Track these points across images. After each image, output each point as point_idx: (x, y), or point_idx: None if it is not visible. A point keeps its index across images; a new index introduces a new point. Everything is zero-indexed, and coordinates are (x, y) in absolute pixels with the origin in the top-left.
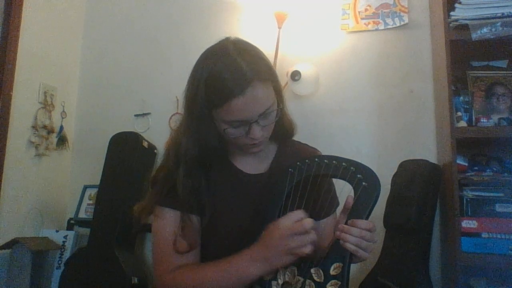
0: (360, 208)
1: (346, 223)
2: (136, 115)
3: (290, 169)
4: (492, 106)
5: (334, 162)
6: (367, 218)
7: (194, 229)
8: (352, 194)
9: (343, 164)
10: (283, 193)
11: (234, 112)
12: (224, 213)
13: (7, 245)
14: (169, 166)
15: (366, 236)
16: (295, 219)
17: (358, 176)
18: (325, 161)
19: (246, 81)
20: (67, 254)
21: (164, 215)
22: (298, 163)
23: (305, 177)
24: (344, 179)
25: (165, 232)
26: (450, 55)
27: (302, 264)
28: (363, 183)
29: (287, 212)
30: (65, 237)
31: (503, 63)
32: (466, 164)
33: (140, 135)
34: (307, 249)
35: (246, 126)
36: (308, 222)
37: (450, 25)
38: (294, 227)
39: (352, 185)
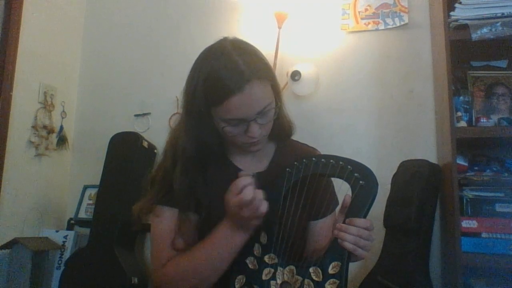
0: (357, 207)
1: (344, 222)
2: (136, 115)
3: (287, 169)
4: (492, 106)
5: (331, 161)
6: (365, 217)
7: (192, 227)
8: (350, 193)
9: (341, 163)
10: (281, 193)
11: (232, 110)
12: (221, 211)
13: (7, 245)
14: (167, 165)
15: (364, 235)
16: (235, 192)
17: (355, 175)
18: (323, 160)
19: (244, 79)
20: (67, 254)
21: (162, 214)
22: (295, 162)
23: (303, 176)
24: (341, 178)
25: (163, 230)
26: (450, 55)
27: (301, 264)
28: (361, 182)
29: (285, 212)
30: (65, 237)
31: (503, 63)
32: (466, 164)
33: (140, 135)
34: (263, 208)
35: (245, 125)
36: (247, 193)
37: (450, 25)
38: (238, 202)
39: (349, 184)
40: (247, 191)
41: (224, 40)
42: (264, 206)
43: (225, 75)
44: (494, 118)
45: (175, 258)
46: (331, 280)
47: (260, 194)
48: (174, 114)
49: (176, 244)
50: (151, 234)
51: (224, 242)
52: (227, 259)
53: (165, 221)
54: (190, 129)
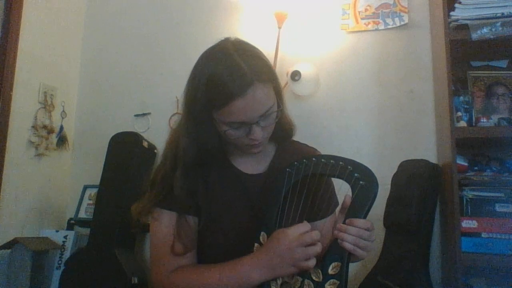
0: (358, 207)
1: (344, 223)
2: (136, 115)
3: (287, 169)
4: (492, 106)
5: (331, 161)
6: (365, 217)
7: (191, 230)
8: (350, 193)
9: (341, 163)
10: (281, 193)
11: (235, 114)
12: (222, 213)
13: (7, 245)
14: (167, 167)
15: (364, 235)
16: (302, 231)
17: (356, 175)
18: (323, 160)
19: (246, 82)
20: (67, 254)
21: (161, 217)
22: (295, 163)
23: (303, 177)
24: (341, 178)
25: (163, 234)
26: (450, 55)
27: None
28: (361, 182)
29: (285, 212)
30: (65, 237)
31: (503, 63)
32: (466, 164)
33: (140, 135)
34: (311, 263)
35: (247, 127)
36: (316, 234)
37: (450, 25)
38: (302, 239)
39: (349, 184)
40: (316, 232)
41: (226, 41)
42: (313, 263)
43: (228, 78)
44: (494, 118)
45: (185, 270)
46: (331, 280)
47: (320, 248)
48: (174, 114)
49: (175, 249)
50: (150, 237)
51: (243, 276)
52: None
53: (164, 225)
54: (191, 132)
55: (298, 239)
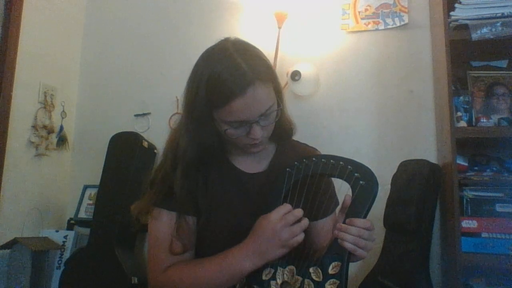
0: (358, 207)
1: (344, 222)
2: (136, 115)
3: (287, 169)
4: (492, 106)
5: (331, 161)
6: (365, 217)
7: (190, 230)
8: (350, 193)
9: (341, 163)
10: (281, 193)
11: (235, 113)
12: (222, 212)
13: (7, 245)
14: (167, 167)
15: (364, 235)
16: (284, 212)
17: (356, 175)
18: (323, 160)
19: (246, 81)
20: (67, 254)
21: (160, 217)
22: (295, 162)
23: (303, 176)
24: (341, 178)
25: (161, 233)
26: (450, 55)
27: (301, 264)
28: (361, 182)
29: None
30: (65, 237)
31: (503, 63)
32: (466, 164)
33: (140, 135)
34: (300, 237)
35: (247, 127)
36: (298, 211)
37: (450, 25)
38: (285, 219)
39: (349, 184)
40: (298, 210)
41: (226, 41)
42: (301, 237)
43: (228, 77)
44: (494, 118)
45: (178, 266)
46: (331, 280)
47: (306, 224)
48: (174, 114)
49: (174, 248)
50: (148, 237)
51: (233, 266)
52: (230, 282)
53: (163, 224)
54: (191, 131)
55: (281, 220)
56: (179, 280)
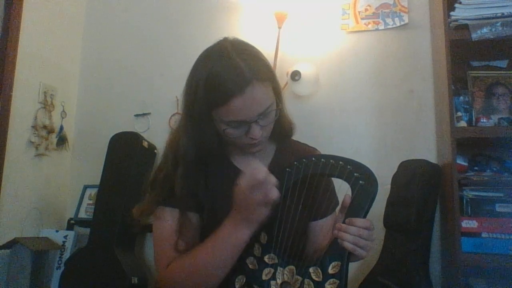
0: (357, 207)
1: (344, 222)
2: (136, 115)
3: (287, 169)
4: (492, 106)
5: (331, 161)
6: (364, 217)
7: (193, 227)
8: (350, 193)
9: (340, 163)
10: (280, 193)
11: (234, 112)
12: (223, 212)
13: (7, 245)
14: (168, 167)
15: (364, 235)
16: (249, 175)
17: (355, 174)
18: (322, 160)
19: (245, 81)
20: (67, 254)
21: (163, 215)
22: (295, 162)
23: (303, 176)
24: (341, 178)
25: (165, 231)
26: (450, 55)
27: (301, 264)
28: (360, 182)
29: (285, 212)
30: (65, 237)
31: (503, 63)
32: (466, 164)
33: (140, 135)
34: (273, 194)
35: (246, 126)
36: (260, 172)
37: (450, 25)
38: (251, 181)
39: (349, 184)
40: (261, 170)
41: (224, 40)
42: (274, 192)
43: (226, 77)
44: (494, 118)
45: (178, 258)
46: (331, 280)
47: (273, 179)
48: (174, 114)
49: (178, 246)
50: (153, 237)
51: (228, 239)
52: (230, 256)
53: (167, 222)
54: (191, 131)
55: (248, 184)
56: (180, 269)
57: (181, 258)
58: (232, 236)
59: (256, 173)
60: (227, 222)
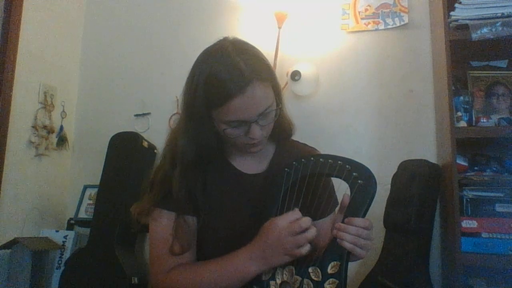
0: (356, 206)
1: (343, 222)
2: (136, 115)
3: (286, 169)
4: (492, 106)
5: (330, 161)
6: (363, 216)
7: (189, 230)
8: (349, 192)
9: (339, 162)
10: (279, 193)
11: (234, 112)
12: (221, 213)
13: (7, 245)
14: (166, 167)
15: (363, 234)
16: (291, 219)
17: (354, 174)
18: (321, 160)
19: (245, 81)
20: (67, 254)
21: (160, 217)
22: (294, 162)
23: (302, 176)
24: (340, 177)
25: (161, 234)
26: (450, 55)
27: (300, 263)
28: (359, 181)
29: (284, 212)
30: (65, 237)
31: (503, 63)
32: (466, 164)
33: (140, 135)
34: (304, 250)
35: (246, 126)
36: (305, 221)
37: (450, 25)
38: (291, 227)
39: (348, 184)
40: (305, 219)
41: (224, 40)
42: (306, 248)
43: (226, 76)
44: (494, 118)
45: (182, 268)
46: (330, 280)
47: (312, 234)
48: (174, 114)
49: (173, 249)
50: (149, 238)
51: (239, 269)
52: (234, 285)
53: (163, 225)
54: (190, 131)
55: (287, 228)
56: (182, 282)
57: (185, 270)
58: (243, 269)
59: (302, 221)
60: (242, 253)
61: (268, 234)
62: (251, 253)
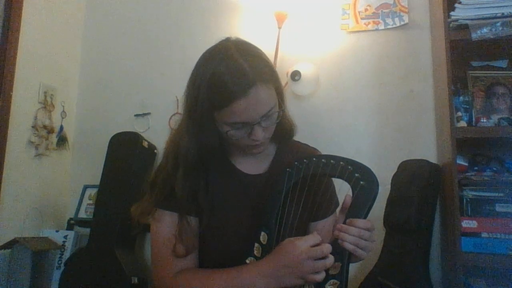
0: (358, 207)
1: (344, 223)
2: (136, 115)
3: (288, 169)
4: (492, 106)
5: (331, 161)
6: (365, 217)
7: (192, 232)
8: (351, 193)
9: (341, 163)
10: (281, 193)
11: (237, 114)
12: (223, 214)
13: (7, 245)
14: (168, 168)
15: (365, 235)
16: (312, 243)
17: (356, 175)
18: (323, 160)
19: (248, 83)
20: (67, 254)
21: (162, 218)
22: (296, 163)
23: (303, 177)
24: (342, 178)
25: (164, 235)
26: (450, 55)
27: None
28: (361, 182)
29: (285, 212)
30: (65, 237)
31: (503, 63)
32: (466, 164)
33: (140, 135)
34: (320, 277)
35: (248, 128)
36: (327, 247)
37: (450, 25)
38: (311, 252)
39: (350, 185)
40: (327, 246)
41: (227, 41)
42: (321, 276)
43: (229, 78)
44: (494, 118)
45: (189, 275)
46: (332, 280)
47: (331, 262)
48: (174, 114)
49: (176, 250)
50: (151, 238)
51: (248, 283)
52: None
53: (165, 226)
54: (192, 132)
55: (308, 252)
56: (186, 286)
57: (193, 278)
58: (252, 284)
59: (324, 248)
60: (255, 268)
61: (287, 254)
62: (264, 270)
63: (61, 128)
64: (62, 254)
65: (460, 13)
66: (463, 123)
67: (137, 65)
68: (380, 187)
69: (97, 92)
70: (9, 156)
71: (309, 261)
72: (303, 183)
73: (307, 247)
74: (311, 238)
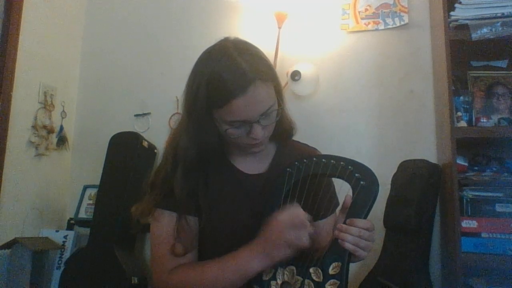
0: (358, 207)
1: (344, 223)
2: (136, 115)
3: (288, 169)
4: (492, 106)
5: (332, 161)
6: (365, 217)
7: (191, 231)
8: (351, 193)
9: (341, 163)
10: (281, 193)
11: (236, 112)
12: (223, 213)
13: (7, 245)
14: (167, 168)
15: (365, 235)
16: (292, 213)
17: (356, 175)
18: (323, 160)
19: (247, 81)
20: (67, 254)
21: (162, 218)
22: (296, 162)
23: (303, 176)
24: (342, 178)
25: (163, 234)
26: (450, 55)
27: (301, 264)
28: (361, 182)
29: None
30: (65, 237)
31: (503, 63)
32: (466, 164)
33: (140, 135)
34: (305, 242)
35: (247, 126)
36: (302, 213)
37: (450, 25)
38: (291, 220)
39: (350, 185)
40: (304, 214)
41: (226, 40)
42: (307, 240)
43: (228, 77)
44: (494, 118)
45: (184, 267)
46: (332, 280)
47: (311, 228)
48: (174, 114)
49: (175, 249)
50: (150, 238)
51: (241, 266)
52: (239, 282)
53: (164, 225)
54: (192, 131)
55: (287, 221)
56: (185, 281)
57: (188, 269)
58: (245, 266)
59: (301, 214)
60: (245, 250)
61: (270, 229)
62: (253, 250)
63: (61, 128)
64: (62, 254)
65: (460, 13)
66: (463, 123)
67: (137, 65)
68: (380, 187)
69: (97, 92)
70: (9, 156)
71: (291, 229)
72: (303, 183)
73: (287, 217)
74: (291, 208)
